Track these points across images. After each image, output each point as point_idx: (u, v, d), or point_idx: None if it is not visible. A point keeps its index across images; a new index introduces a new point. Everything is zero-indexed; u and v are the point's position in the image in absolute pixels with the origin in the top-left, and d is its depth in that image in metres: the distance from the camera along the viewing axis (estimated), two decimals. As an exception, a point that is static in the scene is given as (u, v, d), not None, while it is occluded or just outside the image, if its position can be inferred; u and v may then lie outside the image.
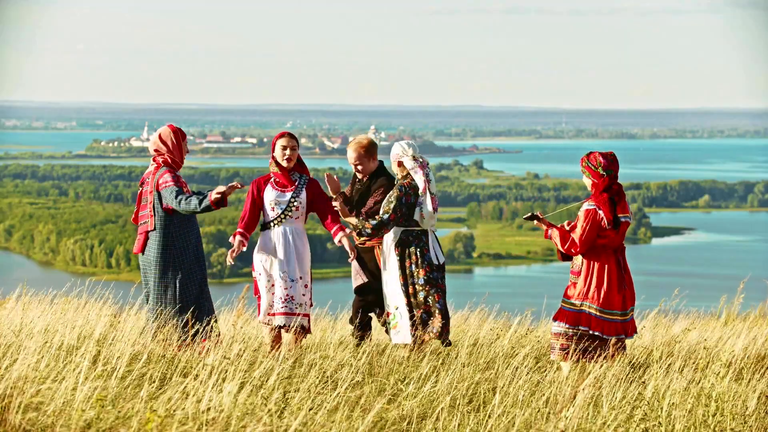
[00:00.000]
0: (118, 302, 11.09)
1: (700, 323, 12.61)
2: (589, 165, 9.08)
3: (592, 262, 9.01)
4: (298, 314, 9.27)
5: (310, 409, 6.86)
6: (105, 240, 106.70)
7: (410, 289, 9.51)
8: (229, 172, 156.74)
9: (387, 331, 9.65)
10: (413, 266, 9.51)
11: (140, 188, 9.33)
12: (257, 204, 9.43)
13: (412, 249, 9.53)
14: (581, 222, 8.97)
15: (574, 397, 7.48)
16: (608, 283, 8.96)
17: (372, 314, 9.81)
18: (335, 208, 9.64)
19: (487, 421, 7.02)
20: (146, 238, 9.17)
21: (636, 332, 9.13)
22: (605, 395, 7.53)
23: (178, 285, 9.08)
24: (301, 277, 9.33)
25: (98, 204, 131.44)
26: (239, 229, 9.39)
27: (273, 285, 9.33)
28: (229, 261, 9.38)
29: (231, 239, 9.24)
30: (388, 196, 9.58)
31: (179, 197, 9.00)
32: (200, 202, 8.98)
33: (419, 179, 9.57)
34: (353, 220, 9.63)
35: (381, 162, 9.94)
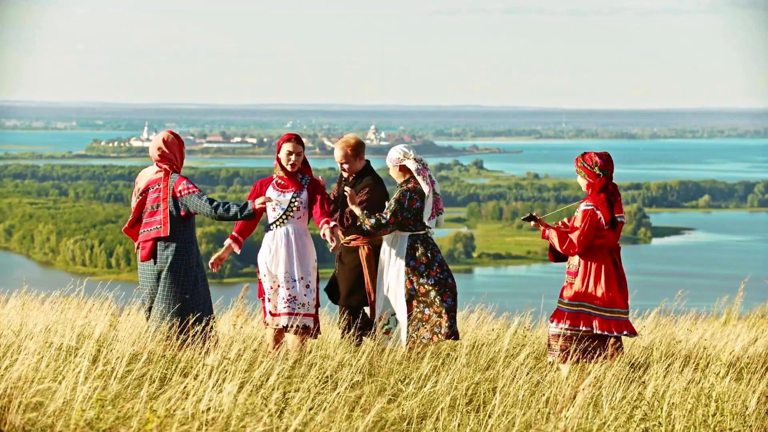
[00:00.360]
0: (120, 303, 11.10)
1: (701, 323, 12.61)
2: (585, 165, 9.07)
3: (589, 263, 9.00)
4: (301, 314, 9.25)
5: (310, 409, 6.86)
6: (105, 240, 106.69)
7: (421, 289, 9.46)
8: (229, 172, 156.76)
9: (377, 334, 9.57)
10: (423, 267, 9.48)
11: (139, 195, 9.08)
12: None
13: (421, 252, 9.50)
14: (580, 222, 8.97)
15: (574, 397, 7.48)
16: (609, 283, 8.96)
17: (361, 314, 9.77)
18: (346, 194, 9.55)
19: (487, 421, 7.02)
20: (154, 246, 9.04)
21: (636, 333, 9.13)
22: (605, 395, 7.53)
23: (190, 289, 9.01)
24: (302, 278, 9.31)
25: (98, 204, 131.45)
26: (233, 233, 9.42)
27: (279, 286, 9.31)
28: (213, 269, 9.36)
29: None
30: (391, 198, 9.57)
31: (214, 203, 8.93)
32: (241, 210, 8.95)
33: (423, 181, 9.54)
34: (357, 210, 9.56)
35: (368, 162, 9.88)
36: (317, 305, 9.42)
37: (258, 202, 9.03)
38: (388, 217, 9.43)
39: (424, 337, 9.43)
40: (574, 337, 8.92)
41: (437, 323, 9.43)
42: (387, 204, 9.55)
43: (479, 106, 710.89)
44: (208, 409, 6.55)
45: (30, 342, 7.69)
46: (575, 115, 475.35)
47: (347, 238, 9.76)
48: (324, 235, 9.14)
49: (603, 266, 8.99)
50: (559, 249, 9.05)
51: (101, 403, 6.50)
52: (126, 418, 6.40)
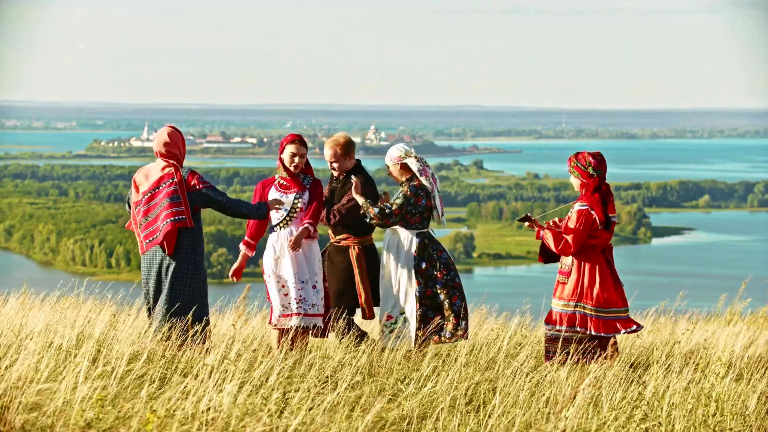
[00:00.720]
0: (121, 303, 11.09)
1: (701, 323, 12.60)
2: (579, 165, 9.06)
3: (582, 263, 9.00)
4: (312, 315, 9.24)
5: (310, 409, 6.86)
6: (105, 240, 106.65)
7: (428, 292, 9.46)
8: (229, 172, 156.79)
9: (381, 332, 9.57)
10: (432, 269, 9.47)
11: (151, 191, 8.92)
12: None
13: (430, 252, 9.49)
14: (575, 223, 8.96)
15: (574, 398, 7.48)
16: (604, 283, 8.97)
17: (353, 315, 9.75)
18: (352, 185, 9.57)
19: (487, 421, 7.02)
20: (177, 237, 8.90)
21: (641, 326, 9.12)
22: (605, 395, 7.53)
23: (200, 286, 8.99)
24: (309, 279, 9.28)
25: (98, 204, 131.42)
26: (246, 238, 9.43)
27: (284, 287, 9.29)
28: (232, 278, 9.49)
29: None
30: (397, 192, 9.54)
31: (234, 198, 8.97)
32: (258, 208, 9.03)
33: (426, 180, 9.53)
34: (361, 199, 9.52)
35: (359, 161, 9.84)
36: (326, 305, 9.41)
37: (272, 203, 9.09)
38: (393, 208, 9.39)
39: (445, 335, 9.41)
40: (574, 338, 8.92)
41: (445, 326, 9.42)
42: (394, 197, 9.52)
43: (479, 106, 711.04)
44: (208, 409, 6.55)
45: (30, 342, 7.69)
46: (575, 115, 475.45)
47: (337, 237, 9.73)
48: (292, 232, 9.19)
49: (597, 266, 8.99)
50: (554, 249, 9.04)
51: (101, 404, 6.50)
52: (126, 418, 6.40)
